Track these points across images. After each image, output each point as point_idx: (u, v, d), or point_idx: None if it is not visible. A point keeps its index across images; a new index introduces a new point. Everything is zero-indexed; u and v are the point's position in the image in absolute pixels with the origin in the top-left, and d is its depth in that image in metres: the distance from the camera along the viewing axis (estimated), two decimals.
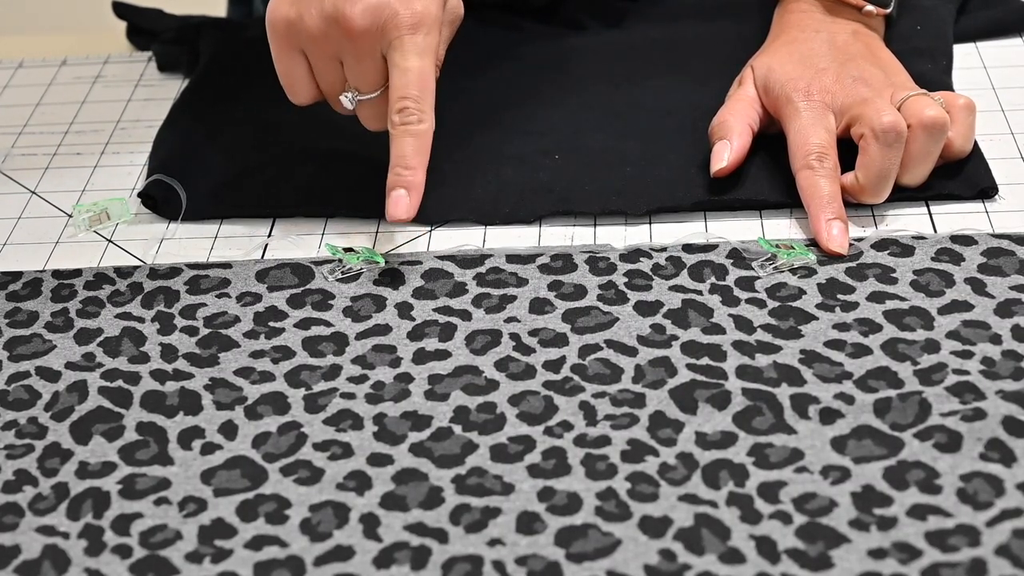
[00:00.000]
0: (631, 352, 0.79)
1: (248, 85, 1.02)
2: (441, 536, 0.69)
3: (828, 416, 0.74)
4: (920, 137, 0.85)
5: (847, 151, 0.86)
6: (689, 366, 0.78)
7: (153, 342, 0.82)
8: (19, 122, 1.05)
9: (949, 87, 0.96)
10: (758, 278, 0.83)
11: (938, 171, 0.89)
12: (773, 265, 0.83)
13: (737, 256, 0.84)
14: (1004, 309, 0.79)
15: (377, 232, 0.90)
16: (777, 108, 0.90)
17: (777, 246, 0.84)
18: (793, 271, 0.83)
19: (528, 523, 0.70)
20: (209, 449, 0.75)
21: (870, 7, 0.94)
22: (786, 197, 0.88)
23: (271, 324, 0.83)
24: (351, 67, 0.85)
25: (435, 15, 0.84)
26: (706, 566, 0.67)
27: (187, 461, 0.75)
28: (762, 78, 0.91)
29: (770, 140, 0.91)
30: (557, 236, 0.88)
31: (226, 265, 0.88)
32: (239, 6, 1.21)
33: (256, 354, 0.81)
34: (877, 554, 0.67)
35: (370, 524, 0.70)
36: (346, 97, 0.87)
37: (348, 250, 0.86)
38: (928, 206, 0.88)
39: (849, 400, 0.75)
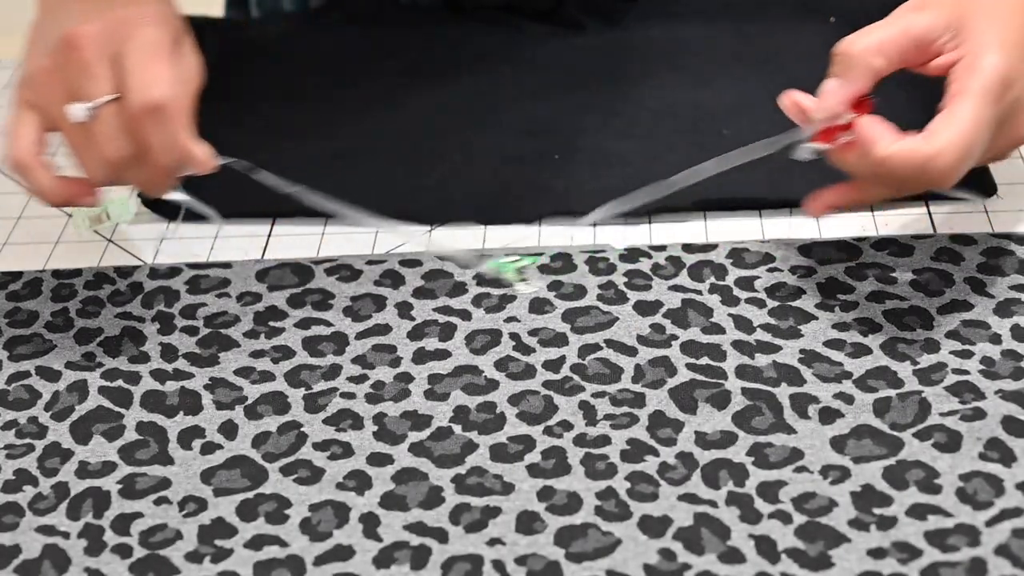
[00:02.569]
0: (631, 352, 0.79)
1: (248, 85, 1.02)
2: (441, 536, 0.69)
3: (828, 416, 0.74)
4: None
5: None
6: (689, 366, 0.78)
7: (153, 342, 0.82)
8: None
9: None
10: (758, 278, 0.83)
11: None
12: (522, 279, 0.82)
13: (736, 256, 0.85)
14: (1004, 309, 0.80)
15: (376, 232, 0.90)
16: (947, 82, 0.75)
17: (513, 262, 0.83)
18: (792, 270, 0.83)
19: (528, 523, 0.70)
20: (209, 449, 0.75)
21: None
22: (786, 197, 0.88)
23: (271, 324, 0.83)
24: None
25: None
26: (706, 566, 0.67)
27: (187, 461, 0.75)
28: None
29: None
30: (557, 236, 0.88)
31: (226, 265, 0.88)
32: (236, 9, 1.21)
33: (256, 354, 0.81)
34: (877, 554, 0.67)
35: (370, 524, 0.70)
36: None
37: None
38: (928, 206, 0.88)
39: (849, 400, 0.75)
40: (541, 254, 0.82)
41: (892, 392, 0.75)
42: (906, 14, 0.76)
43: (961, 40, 0.74)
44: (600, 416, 0.75)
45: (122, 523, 0.72)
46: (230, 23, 1.11)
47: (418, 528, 0.70)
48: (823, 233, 0.86)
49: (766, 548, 0.67)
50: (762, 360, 0.78)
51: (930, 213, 0.87)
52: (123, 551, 0.70)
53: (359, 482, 0.73)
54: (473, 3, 1.07)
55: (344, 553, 0.69)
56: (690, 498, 0.70)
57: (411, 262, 0.86)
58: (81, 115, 0.78)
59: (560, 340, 0.80)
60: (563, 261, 0.85)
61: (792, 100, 0.77)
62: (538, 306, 0.83)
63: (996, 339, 0.78)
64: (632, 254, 0.86)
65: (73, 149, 0.79)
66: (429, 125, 0.97)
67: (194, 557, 0.70)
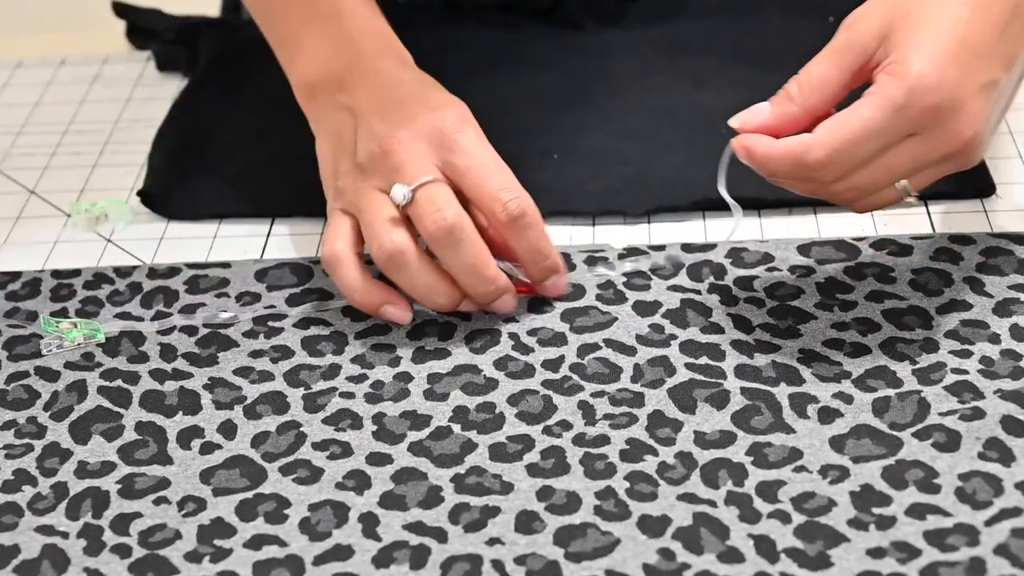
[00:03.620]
0: (630, 351, 0.79)
1: (247, 85, 1.02)
2: (440, 535, 0.69)
3: (827, 415, 0.74)
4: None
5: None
6: (688, 365, 0.78)
7: (152, 341, 0.82)
8: (18, 122, 1.05)
9: None
10: (756, 277, 0.83)
11: None
12: (58, 345, 0.82)
13: (735, 255, 0.85)
14: (1003, 308, 0.80)
15: None
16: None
17: (58, 324, 0.82)
18: (792, 270, 0.83)
19: (527, 522, 0.70)
20: (208, 449, 0.75)
21: None
22: (786, 196, 0.87)
23: (270, 324, 0.83)
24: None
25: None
26: (705, 565, 0.67)
27: (186, 461, 0.75)
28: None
29: None
30: (556, 236, 0.88)
31: (225, 265, 0.88)
32: (232, 13, 1.21)
33: (255, 353, 0.81)
34: (876, 553, 0.67)
35: (369, 523, 0.70)
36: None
37: (71, 324, 0.83)
38: (927, 205, 0.88)
39: (848, 399, 0.75)
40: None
41: (891, 392, 0.75)
42: (837, 40, 0.76)
43: (890, 48, 0.74)
44: (599, 416, 0.75)
45: (121, 523, 0.72)
46: (230, 23, 1.11)
47: (417, 528, 0.70)
48: (822, 233, 0.86)
49: (765, 548, 0.67)
50: (761, 360, 0.78)
51: (929, 213, 0.87)
52: (122, 551, 0.70)
53: (358, 482, 0.73)
54: (472, 3, 1.07)
55: (343, 553, 0.69)
56: (689, 498, 0.70)
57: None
58: (402, 195, 0.79)
59: (559, 339, 0.80)
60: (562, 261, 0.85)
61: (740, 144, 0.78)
62: (537, 306, 0.83)
63: (995, 339, 0.78)
64: (631, 254, 0.86)
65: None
66: None
67: (193, 557, 0.70)
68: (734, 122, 0.77)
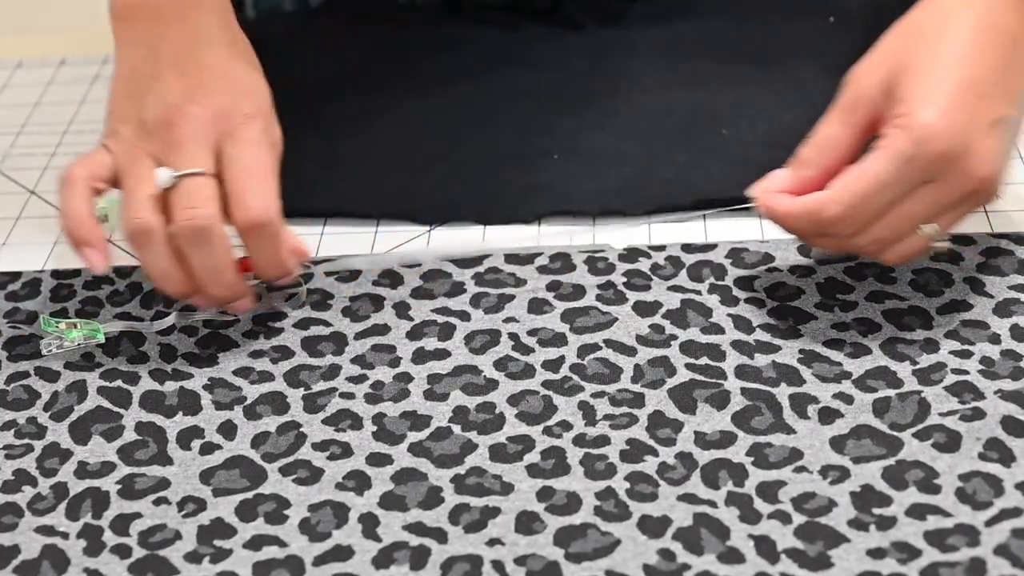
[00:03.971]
0: (630, 352, 0.79)
1: None
2: (440, 536, 0.69)
3: (827, 416, 0.74)
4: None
5: None
6: (688, 366, 0.78)
7: (152, 342, 0.82)
8: (18, 122, 1.05)
9: None
10: (757, 278, 0.83)
11: None
12: (58, 346, 0.82)
13: (736, 256, 0.85)
14: (1003, 309, 0.80)
15: (376, 231, 0.90)
16: None
17: (58, 324, 0.82)
18: (792, 270, 0.83)
19: (527, 523, 0.70)
20: (208, 449, 0.75)
21: None
22: None
23: (270, 324, 0.83)
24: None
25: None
26: (705, 566, 0.67)
27: (186, 461, 0.75)
28: None
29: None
30: (556, 236, 0.88)
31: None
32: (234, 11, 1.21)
33: (255, 354, 0.81)
34: (876, 554, 0.67)
35: (369, 524, 0.70)
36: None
37: (70, 324, 0.83)
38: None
39: (848, 400, 0.75)
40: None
41: (891, 392, 0.75)
42: (843, 99, 0.77)
43: (895, 99, 0.74)
44: (599, 416, 0.75)
45: (121, 523, 0.72)
46: None
47: (417, 528, 0.70)
48: None
49: (766, 548, 0.67)
50: (761, 360, 0.78)
51: None
52: (122, 551, 0.70)
53: (358, 482, 0.73)
54: (472, 3, 1.07)
55: (343, 553, 0.69)
56: (689, 498, 0.70)
57: (410, 262, 0.86)
58: (166, 180, 0.78)
59: (559, 340, 0.80)
60: (562, 261, 0.85)
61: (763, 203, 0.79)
62: (537, 306, 0.82)
63: (995, 339, 0.78)
64: (631, 254, 0.86)
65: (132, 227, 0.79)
66: (428, 125, 0.97)
67: (193, 557, 0.70)
68: (755, 192, 0.78)
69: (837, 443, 0.72)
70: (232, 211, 0.79)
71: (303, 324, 0.83)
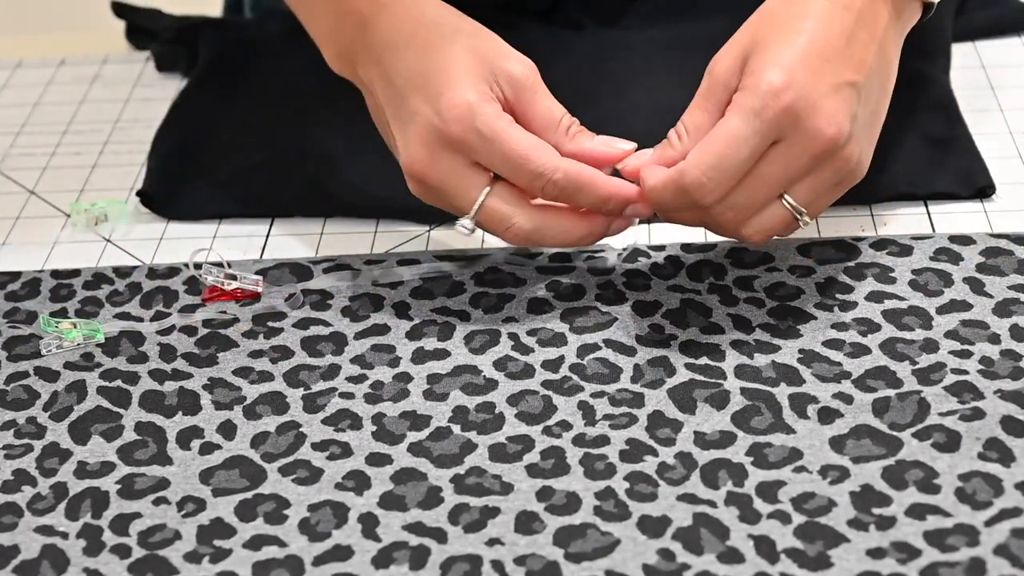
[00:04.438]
0: (630, 352, 0.79)
1: (246, 85, 1.02)
2: (440, 536, 0.69)
3: (827, 416, 0.74)
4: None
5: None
6: (688, 366, 0.78)
7: (152, 342, 0.82)
8: (18, 122, 1.05)
9: (947, 86, 0.96)
10: (756, 278, 0.83)
11: (936, 170, 0.89)
12: (58, 346, 0.82)
13: (735, 255, 0.85)
14: (1002, 309, 0.80)
15: (376, 231, 0.90)
16: None
17: (58, 324, 0.82)
18: (791, 270, 0.83)
19: (527, 523, 0.70)
20: (208, 449, 0.75)
21: None
22: None
23: (270, 324, 0.83)
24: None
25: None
26: (705, 566, 0.67)
27: (186, 461, 0.75)
28: None
29: None
30: None
31: (225, 265, 0.87)
32: (233, 12, 1.21)
33: (255, 354, 0.81)
34: (876, 554, 0.67)
35: (369, 524, 0.70)
36: (461, 225, 0.80)
37: (70, 324, 0.83)
38: (927, 206, 0.88)
39: (848, 400, 0.75)
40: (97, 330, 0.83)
41: (891, 392, 0.75)
42: (702, 86, 0.79)
43: (745, 74, 0.77)
44: (599, 416, 0.75)
45: (121, 523, 0.72)
46: (230, 23, 1.11)
47: (417, 528, 0.70)
48: (822, 233, 0.86)
49: (765, 548, 0.67)
50: (761, 360, 0.78)
51: (929, 213, 0.87)
52: (122, 551, 0.70)
53: (358, 482, 0.73)
54: (471, 2, 1.07)
55: (343, 553, 0.69)
56: (689, 498, 0.70)
57: (410, 262, 0.86)
58: (469, 229, 0.79)
59: (559, 340, 0.80)
60: (562, 261, 0.85)
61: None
62: (537, 306, 0.83)
63: (995, 339, 0.78)
64: (631, 254, 0.86)
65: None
66: None
67: (193, 557, 0.70)
68: (619, 166, 0.80)
69: (837, 443, 0.72)
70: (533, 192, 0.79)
71: (303, 324, 0.83)
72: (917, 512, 0.68)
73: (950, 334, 0.78)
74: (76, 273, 0.88)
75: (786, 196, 0.77)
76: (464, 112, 0.78)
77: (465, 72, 0.79)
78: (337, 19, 0.84)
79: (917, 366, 0.76)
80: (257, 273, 0.86)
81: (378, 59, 0.81)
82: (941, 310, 0.80)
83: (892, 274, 0.82)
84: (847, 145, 0.76)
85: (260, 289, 0.84)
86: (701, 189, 0.75)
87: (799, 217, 0.78)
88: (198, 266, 0.85)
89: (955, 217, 0.87)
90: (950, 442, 0.72)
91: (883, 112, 0.80)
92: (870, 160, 0.79)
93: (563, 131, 0.81)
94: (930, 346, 0.77)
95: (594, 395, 0.76)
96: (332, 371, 0.79)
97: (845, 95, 0.76)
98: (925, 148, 0.91)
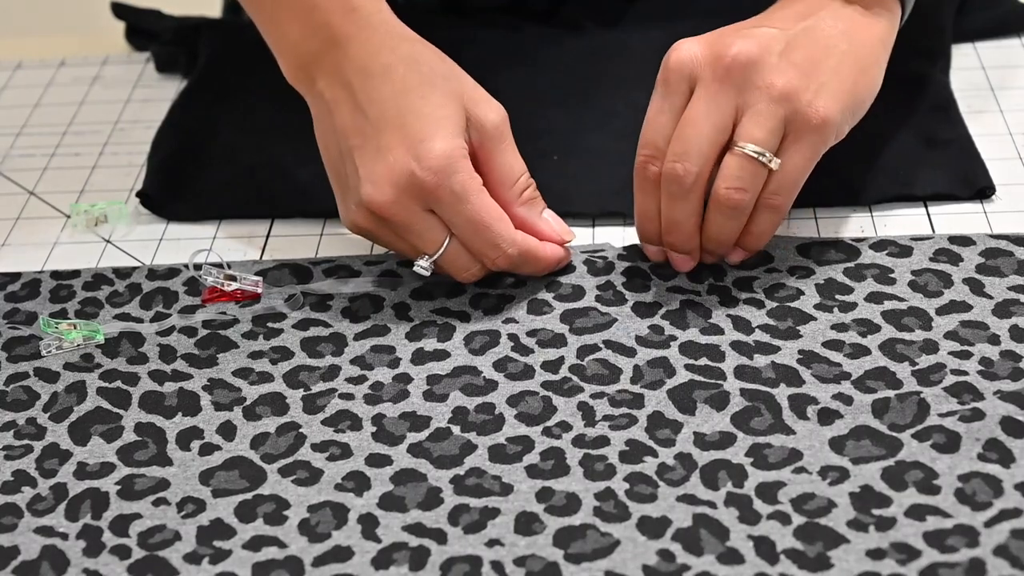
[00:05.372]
0: (629, 353, 0.79)
1: (246, 86, 1.02)
2: (440, 537, 0.69)
3: (826, 416, 0.74)
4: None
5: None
6: (687, 366, 0.78)
7: (151, 343, 0.82)
8: (18, 123, 1.05)
9: (946, 87, 0.96)
10: (756, 278, 0.83)
11: (935, 171, 0.89)
12: (57, 346, 0.82)
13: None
14: (1002, 309, 0.80)
15: None
16: None
17: (57, 325, 0.82)
18: (791, 271, 0.83)
19: (527, 524, 0.70)
20: (208, 450, 0.75)
21: None
22: None
23: (269, 325, 0.83)
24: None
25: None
26: (705, 566, 0.67)
27: (186, 462, 0.75)
28: None
29: None
30: None
31: (225, 266, 0.87)
32: (233, 13, 1.21)
33: (255, 355, 0.81)
34: (876, 554, 0.67)
35: (369, 524, 0.70)
36: (419, 265, 0.82)
37: (70, 325, 0.83)
38: (926, 206, 0.88)
39: (847, 400, 0.75)
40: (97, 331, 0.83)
41: (891, 393, 0.75)
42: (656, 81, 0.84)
43: None
44: (599, 417, 0.75)
45: (121, 524, 0.72)
46: (230, 23, 1.11)
47: (417, 529, 0.70)
48: (822, 233, 0.86)
49: (765, 549, 0.67)
50: (761, 361, 0.78)
51: (928, 214, 0.87)
52: (122, 552, 0.70)
53: (358, 483, 0.73)
54: (472, 4, 1.07)
55: (343, 554, 0.69)
56: (689, 499, 0.70)
57: (409, 262, 0.86)
58: (426, 270, 0.82)
59: (559, 341, 0.80)
60: None
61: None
62: (536, 307, 0.83)
63: (995, 340, 0.78)
64: (631, 254, 0.86)
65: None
66: None
67: (193, 558, 0.70)
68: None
69: (836, 444, 0.72)
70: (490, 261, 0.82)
71: (302, 325, 0.83)
72: (917, 513, 0.68)
73: (950, 335, 0.78)
74: (76, 274, 0.88)
75: (737, 143, 0.78)
76: (443, 164, 0.78)
77: (446, 120, 0.80)
78: (304, 30, 0.83)
79: (917, 367, 0.76)
80: (257, 274, 0.86)
81: (347, 82, 0.81)
82: (941, 311, 0.80)
83: (892, 275, 0.82)
84: (763, 70, 0.78)
85: (260, 290, 0.84)
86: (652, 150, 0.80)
87: (764, 160, 0.78)
88: (198, 267, 0.85)
89: (955, 218, 0.87)
90: (950, 443, 0.72)
91: (837, 67, 0.80)
92: (830, 109, 0.78)
93: (516, 192, 0.82)
94: (930, 347, 0.77)
95: (594, 396, 0.76)
96: (332, 372, 0.79)
97: (748, 33, 0.80)
98: (925, 149, 0.91)
